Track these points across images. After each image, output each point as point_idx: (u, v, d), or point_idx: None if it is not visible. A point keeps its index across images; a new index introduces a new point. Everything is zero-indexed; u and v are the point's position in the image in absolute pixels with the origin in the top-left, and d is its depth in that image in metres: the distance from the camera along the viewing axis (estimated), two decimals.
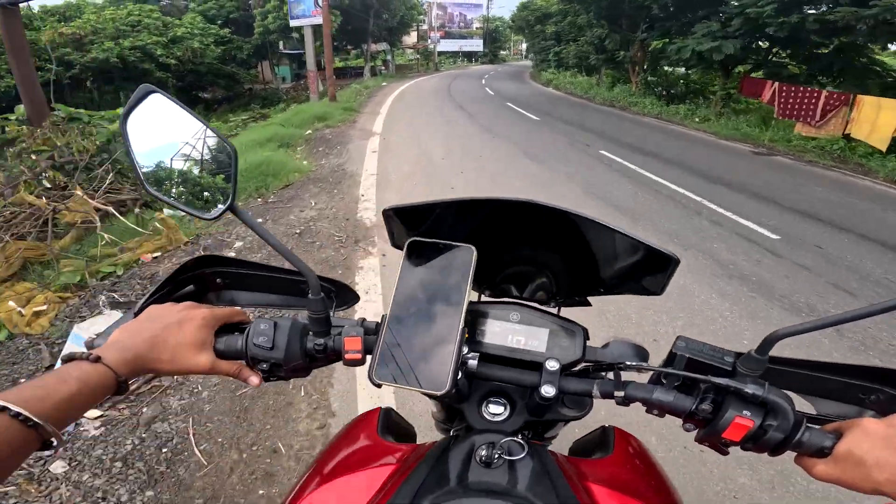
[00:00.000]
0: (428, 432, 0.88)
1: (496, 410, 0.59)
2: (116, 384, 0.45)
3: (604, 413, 1.67)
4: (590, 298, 0.72)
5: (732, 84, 12.11)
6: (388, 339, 0.51)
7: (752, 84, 10.90)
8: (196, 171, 0.54)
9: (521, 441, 0.51)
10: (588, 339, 0.59)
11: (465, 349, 0.53)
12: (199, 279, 0.67)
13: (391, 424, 0.68)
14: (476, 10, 62.51)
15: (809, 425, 0.46)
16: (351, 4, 23.89)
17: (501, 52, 70.27)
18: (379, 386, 0.50)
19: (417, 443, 0.64)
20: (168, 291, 0.63)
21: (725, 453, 0.51)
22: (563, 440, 0.77)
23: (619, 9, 14.44)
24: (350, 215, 4.46)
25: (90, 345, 0.53)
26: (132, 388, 1.60)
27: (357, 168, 6.30)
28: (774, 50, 11.16)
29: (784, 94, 9.59)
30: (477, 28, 63.92)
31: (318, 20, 13.49)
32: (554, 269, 0.70)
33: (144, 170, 0.52)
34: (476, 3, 59.42)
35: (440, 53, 55.24)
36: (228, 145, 0.53)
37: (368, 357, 0.54)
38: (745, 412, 0.46)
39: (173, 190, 0.53)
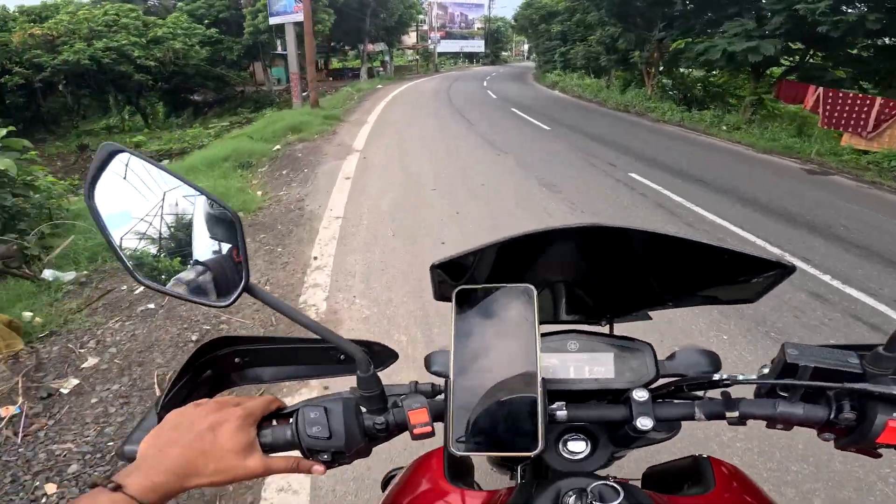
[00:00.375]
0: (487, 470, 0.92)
1: (577, 448, 0.54)
2: None
3: None
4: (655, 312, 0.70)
5: (763, 88, 10.87)
6: (459, 403, 0.47)
7: (790, 88, 9.65)
8: (195, 245, 0.45)
9: (614, 485, 0.45)
10: (656, 354, 0.55)
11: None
12: (217, 362, 0.61)
13: (456, 465, 0.64)
14: (477, 10, 61.36)
15: None
16: (346, 3, 22.68)
17: (503, 53, 69.07)
18: (460, 458, 0.51)
19: (475, 475, 0.64)
20: (186, 382, 0.56)
21: (878, 456, 0.47)
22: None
23: (633, 6, 13.21)
24: (287, 302, 3.06)
25: (120, 453, 0.48)
26: None
27: (320, 205, 4.82)
28: (811, 51, 9.92)
29: (830, 100, 8.36)
30: (478, 28, 62.76)
31: (300, 17, 12.23)
32: (605, 285, 0.65)
33: (129, 254, 0.44)
34: (477, 3, 58.20)
35: (440, 54, 54.09)
36: (229, 211, 0.46)
37: (438, 423, 0.51)
38: (895, 414, 0.43)
39: (170, 276, 0.45)
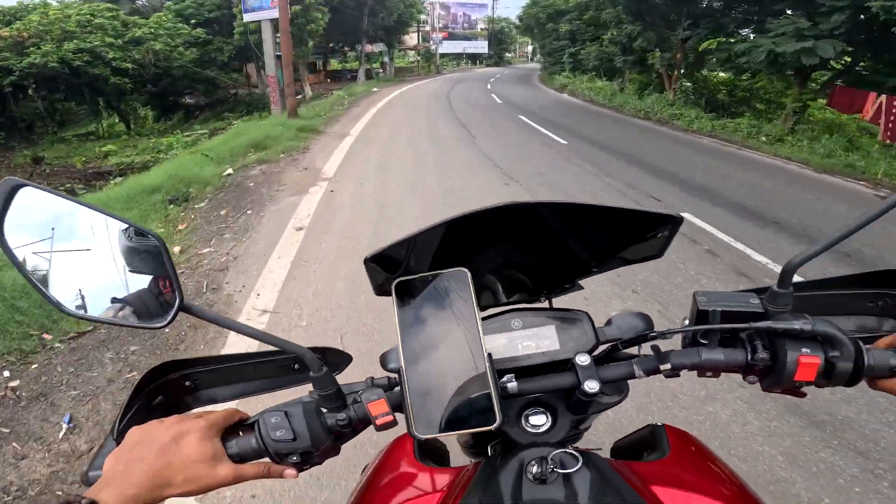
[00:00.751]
0: (459, 451, 0.85)
1: (538, 421, 0.56)
2: None
3: None
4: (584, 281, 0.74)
5: (809, 94, 9.52)
6: (415, 390, 0.49)
7: (845, 95, 8.32)
8: (121, 272, 0.45)
9: (574, 452, 0.48)
10: (593, 321, 0.59)
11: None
12: (166, 388, 0.60)
13: (426, 446, 0.67)
14: (481, 10, 60.09)
15: (867, 346, 0.45)
16: (342, 1, 21.43)
17: (507, 54, 67.73)
18: (424, 442, 0.52)
19: (451, 461, 0.67)
20: (138, 409, 0.55)
21: (803, 395, 0.50)
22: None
23: (653, 3, 11.87)
24: None
25: (85, 480, 0.48)
26: None
27: (244, 285, 3.13)
28: (865, 54, 8.57)
29: None
30: (482, 29, 61.49)
31: (276, 13, 10.94)
32: (535, 263, 0.69)
33: (56, 288, 0.42)
34: (481, 3, 56.89)
35: (443, 55, 52.86)
36: (152, 235, 0.45)
37: (399, 414, 0.52)
38: (804, 350, 0.45)
39: (102, 305, 0.44)
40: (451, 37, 55.84)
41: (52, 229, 0.42)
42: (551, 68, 28.44)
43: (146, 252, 0.45)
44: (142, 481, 0.42)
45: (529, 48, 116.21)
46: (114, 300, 0.44)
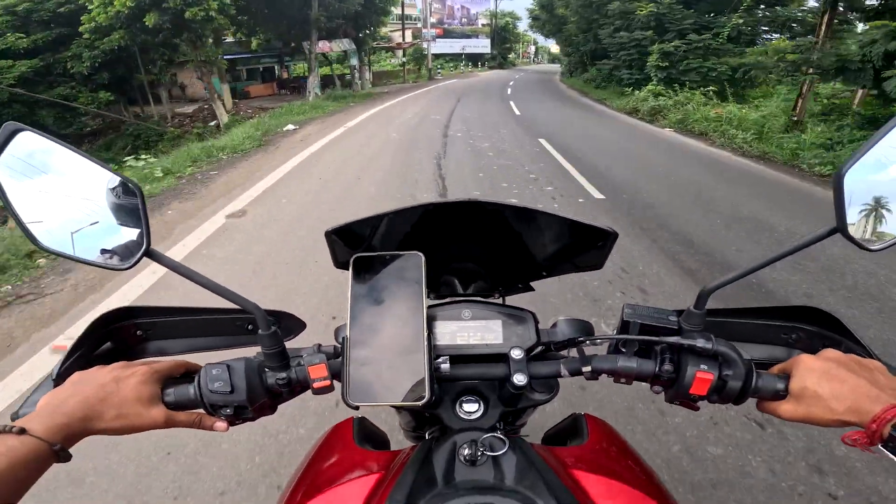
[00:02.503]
0: (402, 438, 0.86)
1: (471, 408, 0.59)
2: (53, 454, 0.41)
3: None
4: (535, 283, 0.77)
5: None
6: (355, 359, 0.51)
7: None
8: (97, 216, 0.47)
9: (501, 436, 0.51)
10: (538, 322, 0.61)
11: (433, 355, 0.54)
12: (116, 334, 0.61)
13: (366, 432, 0.69)
14: (482, 2, 51.42)
15: (759, 370, 0.49)
16: None
17: (510, 55, 59.01)
18: (357, 408, 0.50)
19: (392, 449, 0.66)
20: (83, 353, 0.56)
21: (696, 408, 0.52)
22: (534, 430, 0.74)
23: None
24: None
25: (14, 416, 0.48)
26: None
27: None
28: None
29: None
30: (483, 25, 52.77)
31: None
32: (492, 261, 0.74)
33: (32, 224, 0.45)
34: None
35: (438, 56, 44.06)
36: (131, 184, 0.48)
37: (337, 382, 0.54)
38: (702, 366, 0.48)
39: (73, 243, 0.47)
40: (448, 34, 47.07)
41: (41, 170, 0.45)
42: (584, 75, 19.87)
43: (124, 198, 0.47)
44: (73, 411, 0.43)
45: (533, 48, 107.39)
46: (85, 239, 0.46)
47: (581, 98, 16.58)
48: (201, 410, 0.51)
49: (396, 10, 28.09)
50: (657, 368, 0.51)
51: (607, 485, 0.51)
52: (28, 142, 0.45)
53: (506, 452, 0.50)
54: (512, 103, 13.99)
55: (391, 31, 34.27)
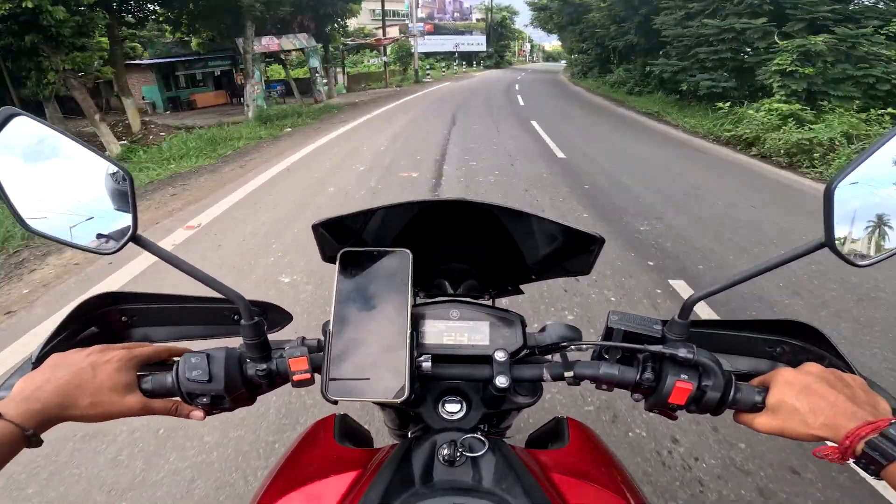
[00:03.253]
0: (385, 436, 0.83)
1: (453, 409, 0.58)
2: (25, 438, 0.41)
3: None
4: (524, 286, 0.77)
5: None
6: (336, 354, 0.51)
7: None
8: (86, 201, 0.48)
9: (481, 437, 0.52)
10: (526, 325, 0.60)
11: (416, 353, 0.53)
12: (101, 319, 0.60)
13: (347, 430, 0.68)
14: None
15: (738, 382, 0.48)
16: None
17: (507, 53, 54.26)
18: (335, 403, 0.50)
19: (375, 447, 0.65)
20: (66, 337, 0.55)
21: (674, 418, 0.53)
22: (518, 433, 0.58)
23: None
24: None
25: None
26: None
27: None
28: None
29: None
30: (478, 20, 48.07)
31: None
32: (484, 263, 0.73)
33: (21, 205, 0.46)
34: None
35: (428, 55, 39.38)
36: (121, 169, 0.48)
37: (318, 376, 0.53)
38: (682, 376, 0.48)
39: (61, 226, 0.47)
40: (439, 30, 42.40)
41: (33, 155, 0.46)
42: (608, 77, 15.45)
43: (114, 185, 0.48)
44: (49, 398, 0.43)
45: (528, 46, 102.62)
46: (73, 224, 0.47)
47: (619, 110, 12.03)
48: (178, 399, 0.51)
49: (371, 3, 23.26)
50: (638, 376, 0.50)
51: (584, 488, 0.51)
52: (23, 127, 0.45)
53: (485, 454, 0.49)
54: (536, 125, 9.26)
55: (378, 28, 29.56)
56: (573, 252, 0.62)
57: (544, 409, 1.82)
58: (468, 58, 42.46)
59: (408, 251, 0.54)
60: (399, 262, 0.54)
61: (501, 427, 0.73)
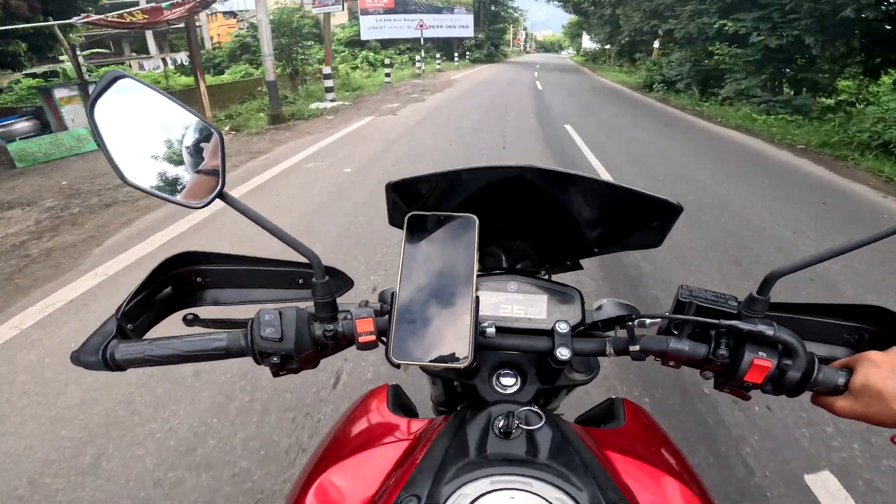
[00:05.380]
0: (427, 412, 0.80)
1: (507, 382, 0.59)
2: None
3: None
4: (585, 261, 0.73)
5: None
6: (401, 318, 0.50)
7: None
8: (179, 157, 0.50)
9: (538, 410, 0.50)
10: (584, 301, 0.60)
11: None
12: (178, 279, 0.61)
13: (399, 401, 0.68)
14: None
15: (819, 364, 0.47)
16: None
17: (502, 42, 39.93)
18: (398, 366, 0.50)
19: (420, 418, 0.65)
20: (145, 297, 0.56)
21: (747, 398, 0.51)
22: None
23: None
24: None
25: (76, 357, 0.50)
26: None
27: None
28: None
29: None
30: None
31: None
32: (544, 235, 0.69)
33: (120, 161, 0.48)
34: None
35: (387, 44, 25.38)
36: (213, 128, 0.50)
37: (381, 339, 0.54)
38: (760, 353, 0.47)
39: (156, 180, 0.50)
40: (402, 6, 28.25)
41: (133, 113, 0.48)
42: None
43: (206, 142, 0.50)
44: None
45: (523, 34, 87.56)
46: (168, 177, 0.49)
47: None
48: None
49: None
50: (711, 352, 0.49)
51: (643, 469, 0.51)
52: (125, 86, 0.47)
53: (541, 427, 0.48)
54: None
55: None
56: (647, 222, 0.57)
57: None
58: (448, 50, 28.17)
59: (474, 217, 0.53)
60: (465, 227, 0.53)
61: (549, 408, 0.68)
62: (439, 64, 21.81)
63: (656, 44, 19.93)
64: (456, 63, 25.20)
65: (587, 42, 54.10)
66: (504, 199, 0.60)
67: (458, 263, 0.51)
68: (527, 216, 0.65)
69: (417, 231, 0.53)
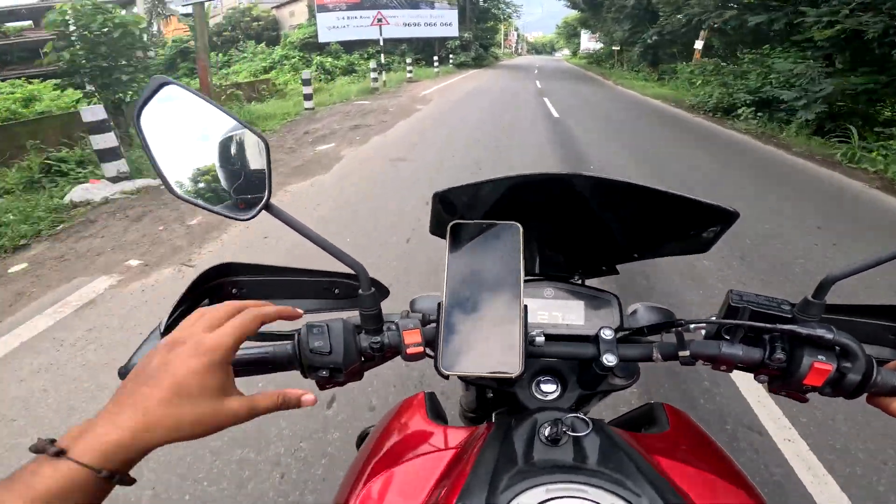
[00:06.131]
0: (454, 419, 0.81)
1: (548, 389, 0.58)
2: (101, 483, 0.32)
3: None
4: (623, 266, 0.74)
5: None
6: (449, 328, 0.50)
7: None
8: (225, 167, 0.49)
9: (585, 417, 0.50)
10: (622, 306, 0.60)
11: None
12: (217, 290, 0.61)
13: (435, 408, 0.68)
14: None
15: (878, 366, 0.47)
16: None
17: (492, 44, 34.79)
18: (447, 378, 0.50)
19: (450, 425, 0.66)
20: (185, 310, 0.56)
21: (805, 400, 0.51)
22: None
23: None
24: None
25: (121, 373, 0.45)
26: None
27: None
28: None
29: None
30: None
31: None
32: (581, 241, 0.70)
33: (167, 170, 0.47)
34: None
35: (351, 46, 20.31)
36: (260, 137, 0.49)
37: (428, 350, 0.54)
38: (820, 357, 0.46)
39: (202, 190, 0.49)
40: (371, 2, 23.11)
41: (179, 121, 0.47)
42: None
43: (252, 151, 0.49)
44: (123, 426, 0.33)
45: (515, 35, 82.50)
46: (213, 188, 0.48)
47: None
48: (283, 391, 0.47)
49: None
50: (767, 357, 0.49)
51: (696, 474, 0.50)
52: (170, 93, 0.46)
53: (588, 434, 0.48)
54: None
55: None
56: (697, 229, 0.57)
57: None
58: (429, 52, 23.04)
59: (518, 224, 0.53)
60: (509, 235, 0.53)
61: (583, 412, 0.67)
62: (410, 71, 16.63)
63: (699, 44, 14.94)
64: (436, 69, 20.00)
65: (586, 42, 49.24)
66: (544, 206, 0.62)
67: (504, 271, 0.51)
68: (565, 222, 0.66)
69: (461, 240, 0.53)
